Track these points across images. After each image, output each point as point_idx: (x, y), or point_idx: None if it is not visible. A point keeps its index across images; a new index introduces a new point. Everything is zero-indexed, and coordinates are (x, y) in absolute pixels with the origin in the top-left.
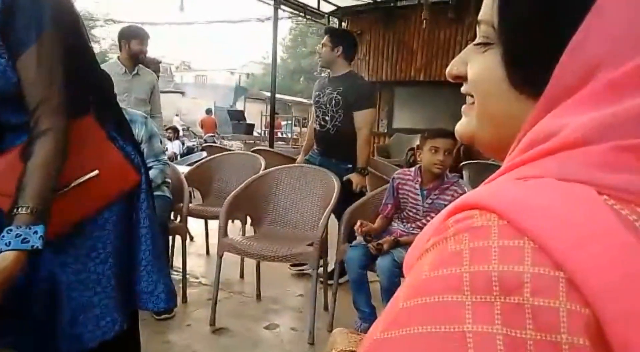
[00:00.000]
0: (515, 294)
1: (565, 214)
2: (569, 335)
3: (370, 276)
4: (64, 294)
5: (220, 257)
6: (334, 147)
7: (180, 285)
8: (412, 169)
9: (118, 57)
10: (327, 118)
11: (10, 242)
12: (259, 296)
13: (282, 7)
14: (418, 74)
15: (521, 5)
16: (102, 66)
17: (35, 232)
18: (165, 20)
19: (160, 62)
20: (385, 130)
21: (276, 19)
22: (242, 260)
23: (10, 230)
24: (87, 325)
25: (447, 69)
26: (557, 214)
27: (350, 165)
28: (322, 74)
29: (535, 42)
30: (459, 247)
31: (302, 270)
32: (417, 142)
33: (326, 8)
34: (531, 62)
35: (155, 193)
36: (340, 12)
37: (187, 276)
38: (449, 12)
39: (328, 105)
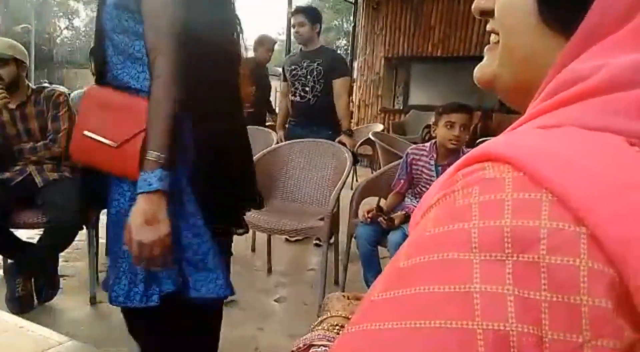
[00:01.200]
0: (530, 251)
1: (589, 164)
2: (589, 296)
3: (381, 251)
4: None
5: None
6: (316, 116)
7: None
8: (427, 144)
9: None
10: (307, 89)
11: (141, 187)
12: (269, 270)
13: None
14: (435, 50)
15: None
16: None
17: (155, 175)
18: None
19: None
20: (401, 107)
21: None
22: (254, 234)
23: (141, 176)
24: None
25: (474, 4)
26: (581, 163)
27: (331, 132)
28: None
29: None
30: (468, 201)
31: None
32: (434, 119)
33: None
34: None
35: None
36: None
37: None
38: None
39: (309, 77)
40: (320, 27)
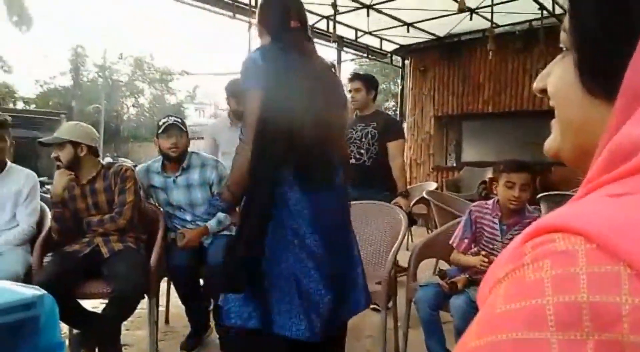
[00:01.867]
0: (612, 329)
1: None
2: None
3: (444, 316)
4: None
5: None
6: (372, 177)
7: None
8: (490, 202)
9: (228, 113)
10: (362, 151)
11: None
12: None
13: (345, 49)
14: (486, 106)
15: (587, 5)
16: (215, 121)
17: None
18: (236, 70)
19: None
20: (454, 164)
21: (339, 61)
22: None
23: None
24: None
25: (534, 84)
26: None
27: (387, 192)
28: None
29: (603, 42)
30: (539, 276)
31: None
32: (489, 175)
33: (388, 47)
34: (601, 64)
35: (225, 233)
36: (403, 50)
37: None
38: (516, 42)
39: (364, 139)
40: (376, 93)
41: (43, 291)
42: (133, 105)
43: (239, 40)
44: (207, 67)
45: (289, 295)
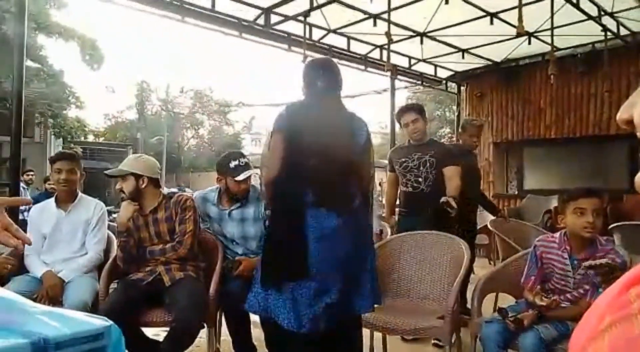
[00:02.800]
0: None
1: None
2: None
3: None
4: None
5: None
6: (430, 205)
7: None
8: (556, 234)
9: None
10: (420, 179)
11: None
12: None
13: (399, 77)
14: (548, 132)
15: None
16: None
17: None
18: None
19: None
20: (516, 192)
21: (393, 89)
22: (371, 332)
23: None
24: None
25: (618, 115)
26: None
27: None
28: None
29: None
30: None
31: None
32: (554, 204)
33: (443, 74)
34: None
35: None
36: (458, 77)
37: None
38: (578, 65)
39: (422, 168)
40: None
41: (110, 322)
42: (193, 137)
43: (293, 72)
44: (263, 98)
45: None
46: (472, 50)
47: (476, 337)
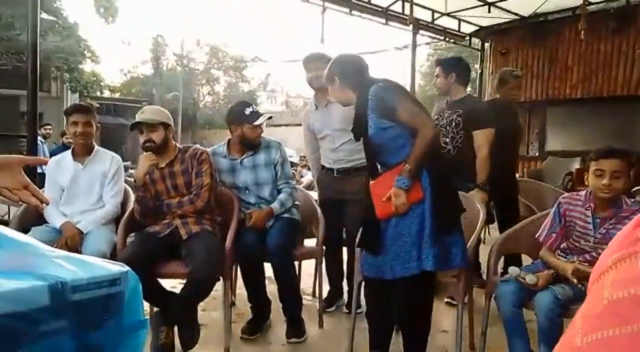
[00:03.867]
0: None
1: None
2: None
3: (526, 314)
4: None
5: (358, 285)
6: (455, 167)
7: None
8: (582, 193)
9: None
10: (447, 140)
11: (397, 184)
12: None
13: (421, 31)
14: (574, 91)
15: None
16: (306, 109)
17: (403, 181)
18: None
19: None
20: (537, 154)
21: (414, 45)
22: None
23: (399, 178)
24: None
25: None
26: None
27: (470, 184)
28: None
29: None
30: None
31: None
32: (577, 166)
33: (467, 29)
34: None
35: (285, 215)
36: (483, 32)
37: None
38: (609, 21)
39: (448, 127)
40: (460, 77)
41: (127, 268)
42: (209, 93)
43: (311, 24)
44: (279, 54)
45: None
46: (499, 4)
47: (490, 296)
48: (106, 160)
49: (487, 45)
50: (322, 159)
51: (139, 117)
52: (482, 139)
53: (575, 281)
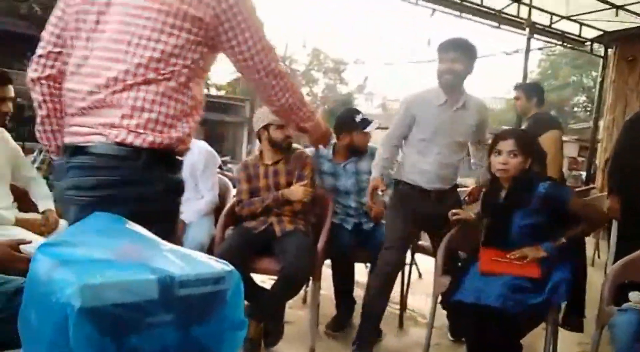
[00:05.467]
0: None
1: None
2: None
3: None
4: None
5: (436, 297)
6: None
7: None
8: None
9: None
10: None
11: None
12: None
13: (536, 36)
14: None
15: None
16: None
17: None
18: (412, 59)
19: None
20: None
21: (528, 49)
22: None
23: None
24: None
25: None
26: None
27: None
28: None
29: None
30: None
31: None
32: None
33: (589, 34)
34: None
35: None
36: (607, 37)
37: (415, 315)
38: None
39: None
40: (539, 101)
41: (231, 267)
42: (307, 94)
43: (418, 26)
44: (379, 57)
45: None
46: (629, 6)
47: (602, 326)
48: (194, 150)
49: (610, 51)
50: (407, 171)
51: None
52: (545, 142)
53: None
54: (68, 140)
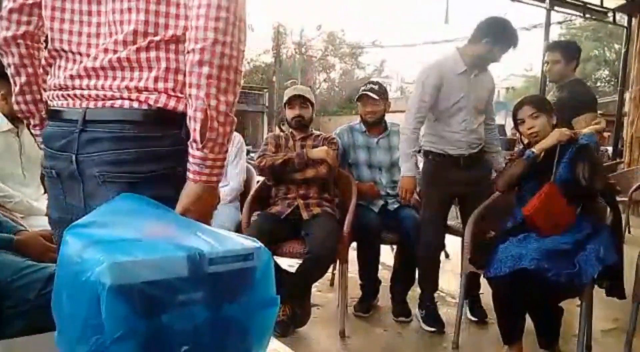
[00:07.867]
0: None
1: None
2: None
3: None
4: None
5: (464, 276)
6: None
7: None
8: None
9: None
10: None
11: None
12: None
13: (556, 8)
14: None
15: None
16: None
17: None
18: (425, 39)
19: None
20: None
21: (548, 23)
22: None
23: None
24: None
25: None
26: None
27: None
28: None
29: None
30: None
31: None
32: None
33: (611, 3)
34: None
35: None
36: (630, 6)
37: (444, 295)
38: None
39: None
40: (578, 63)
41: (260, 244)
42: (324, 80)
43: (432, 6)
44: (395, 40)
45: None
46: None
47: (639, 302)
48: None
49: (635, 21)
50: (434, 142)
51: (294, 91)
52: (580, 126)
53: None
54: (68, 103)
